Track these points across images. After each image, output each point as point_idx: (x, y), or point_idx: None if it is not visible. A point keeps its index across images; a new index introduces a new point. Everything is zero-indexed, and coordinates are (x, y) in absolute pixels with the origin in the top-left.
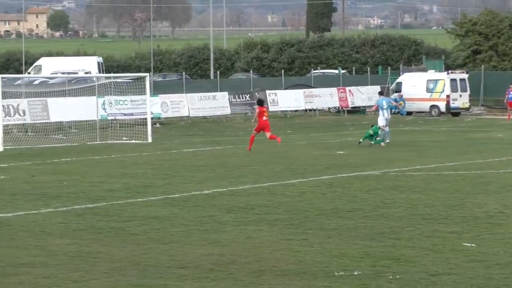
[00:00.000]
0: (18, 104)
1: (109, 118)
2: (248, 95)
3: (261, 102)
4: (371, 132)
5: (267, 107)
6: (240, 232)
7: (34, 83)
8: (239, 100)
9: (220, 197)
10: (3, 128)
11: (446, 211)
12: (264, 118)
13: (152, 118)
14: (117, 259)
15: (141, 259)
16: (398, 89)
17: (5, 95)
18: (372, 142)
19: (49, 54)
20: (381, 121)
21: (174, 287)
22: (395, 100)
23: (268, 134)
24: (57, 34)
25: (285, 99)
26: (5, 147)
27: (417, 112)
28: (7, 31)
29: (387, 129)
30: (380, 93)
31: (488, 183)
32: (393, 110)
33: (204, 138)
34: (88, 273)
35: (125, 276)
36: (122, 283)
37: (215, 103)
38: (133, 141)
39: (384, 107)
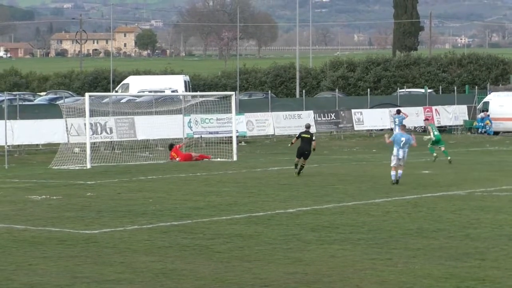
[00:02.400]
0: (105, 122)
1: (195, 136)
2: (334, 114)
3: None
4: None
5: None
6: (324, 251)
7: (122, 101)
8: (325, 119)
9: (304, 216)
10: (91, 145)
11: None
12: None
13: (237, 137)
14: (201, 277)
15: (225, 277)
16: (485, 109)
17: (93, 113)
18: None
19: (137, 73)
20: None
21: None
22: (481, 120)
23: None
24: (145, 52)
25: (371, 118)
26: (92, 165)
27: (504, 132)
28: (96, 49)
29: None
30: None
31: None
32: (479, 130)
33: (289, 156)
34: None
35: None
36: None
37: (300, 122)
38: (218, 159)
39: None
